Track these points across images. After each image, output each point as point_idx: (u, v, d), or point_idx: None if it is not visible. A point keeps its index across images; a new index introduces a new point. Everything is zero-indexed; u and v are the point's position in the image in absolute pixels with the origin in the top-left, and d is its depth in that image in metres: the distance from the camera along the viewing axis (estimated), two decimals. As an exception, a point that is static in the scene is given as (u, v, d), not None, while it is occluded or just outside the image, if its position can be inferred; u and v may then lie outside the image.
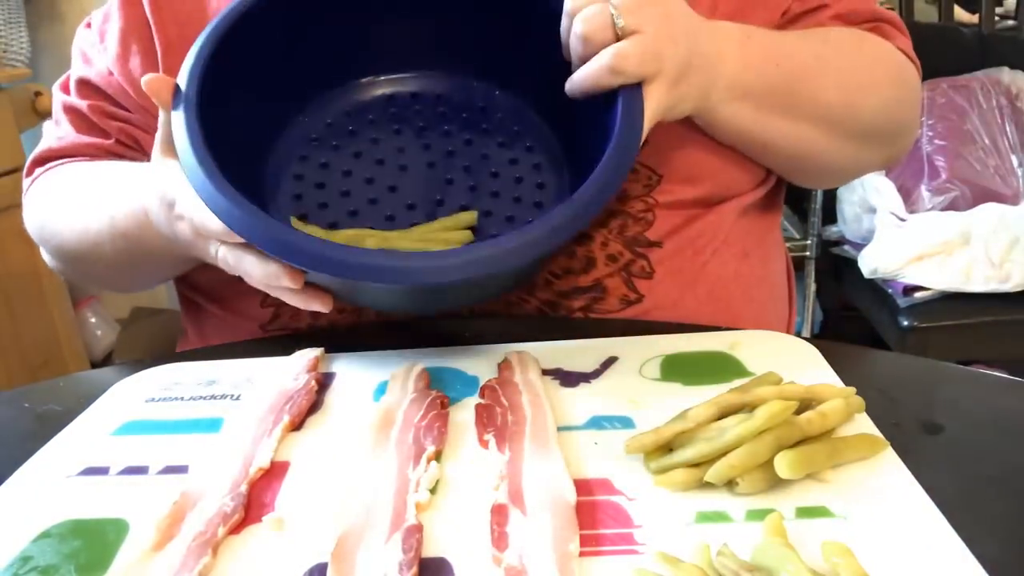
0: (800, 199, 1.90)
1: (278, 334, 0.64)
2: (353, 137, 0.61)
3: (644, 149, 0.59)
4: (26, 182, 0.71)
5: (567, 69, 0.54)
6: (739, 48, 0.56)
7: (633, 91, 0.51)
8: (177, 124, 0.50)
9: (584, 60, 0.51)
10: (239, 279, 0.63)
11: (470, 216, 0.58)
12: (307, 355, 0.55)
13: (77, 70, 0.70)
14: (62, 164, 0.69)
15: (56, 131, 0.71)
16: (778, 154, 0.63)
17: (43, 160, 0.70)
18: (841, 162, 0.66)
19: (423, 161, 0.61)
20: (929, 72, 1.91)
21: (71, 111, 0.69)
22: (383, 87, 0.64)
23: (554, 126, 0.62)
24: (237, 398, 0.53)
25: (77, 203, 0.65)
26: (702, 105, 0.56)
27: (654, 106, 0.51)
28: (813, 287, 1.86)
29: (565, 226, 0.46)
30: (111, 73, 0.67)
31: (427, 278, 0.44)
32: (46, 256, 0.71)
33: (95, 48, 0.69)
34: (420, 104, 0.63)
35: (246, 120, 0.55)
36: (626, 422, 0.46)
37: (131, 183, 0.59)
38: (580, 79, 0.51)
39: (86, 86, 0.69)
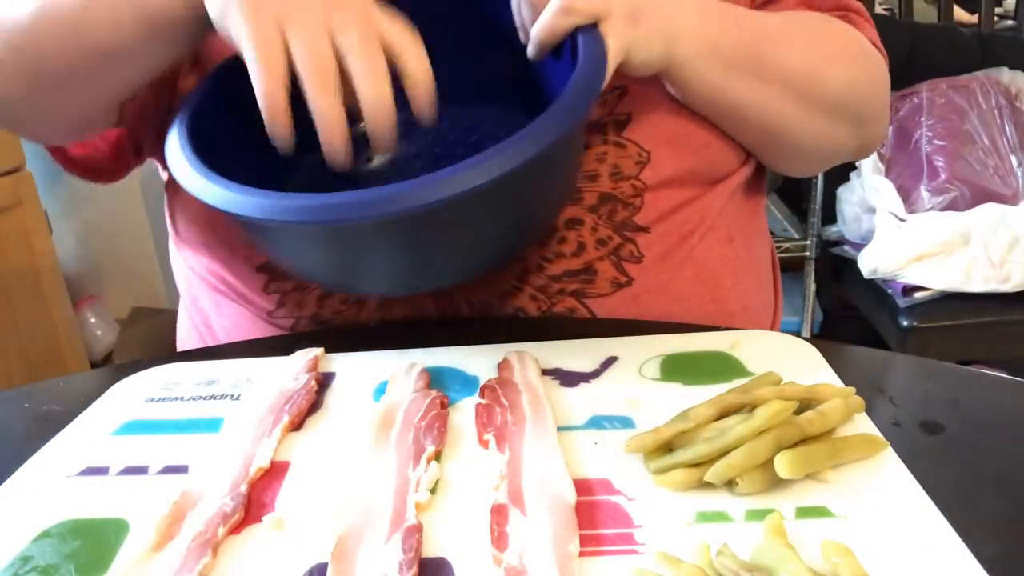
0: (800, 199, 1.90)
1: (280, 329, 0.64)
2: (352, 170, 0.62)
3: (631, 126, 0.61)
4: None
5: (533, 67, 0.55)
6: (699, 3, 0.58)
7: (590, 30, 0.52)
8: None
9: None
10: (241, 263, 0.63)
11: None
12: (307, 355, 0.55)
13: None
14: None
15: None
16: (750, 122, 0.63)
17: None
18: (812, 137, 0.66)
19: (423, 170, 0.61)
20: (929, 72, 1.92)
21: None
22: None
23: None
24: (237, 398, 0.53)
25: None
26: (668, 56, 0.57)
27: (615, 43, 0.52)
28: (813, 287, 1.86)
29: (548, 131, 0.45)
30: None
31: (409, 202, 0.43)
32: None
33: None
34: (409, 136, 0.63)
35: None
36: (626, 422, 0.46)
37: None
38: (536, 32, 0.53)
39: None
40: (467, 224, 0.49)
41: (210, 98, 0.56)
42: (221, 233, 0.64)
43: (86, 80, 0.59)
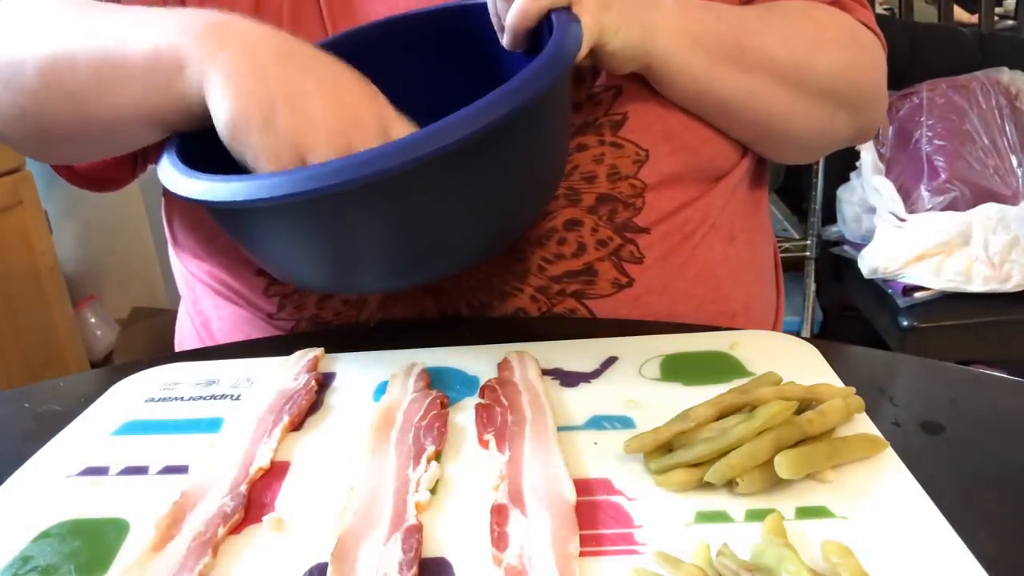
0: (800, 199, 1.90)
1: (281, 331, 0.64)
2: None
3: (627, 125, 0.61)
4: None
5: None
6: None
7: (564, 10, 0.53)
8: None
9: None
10: (241, 267, 0.63)
11: None
12: (307, 355, 0.55)
13: None
14: None
15: None
16: (740, 114, 0.63)
17: None
18: (805, 125, 0.65)
19: None
20: (929, 72, 1.92)
21: None
22: None
23: None
24: (237, 398, 0.53)
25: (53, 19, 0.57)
26: (648, 47, 0.57)
27: (587, 20, 0.53)
28: (813, 287, 1.86)
29: (520, 89, 0.45)
30: None
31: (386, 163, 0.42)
32: None
33: None
34: None
35: None
36: (626, 422, 0.46)
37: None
38: (510, 18, 0.53)
39: None
40: (449, 193, 0.47)
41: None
42: (219, 240, 0.64)
43: (91, 143, 0.60)
